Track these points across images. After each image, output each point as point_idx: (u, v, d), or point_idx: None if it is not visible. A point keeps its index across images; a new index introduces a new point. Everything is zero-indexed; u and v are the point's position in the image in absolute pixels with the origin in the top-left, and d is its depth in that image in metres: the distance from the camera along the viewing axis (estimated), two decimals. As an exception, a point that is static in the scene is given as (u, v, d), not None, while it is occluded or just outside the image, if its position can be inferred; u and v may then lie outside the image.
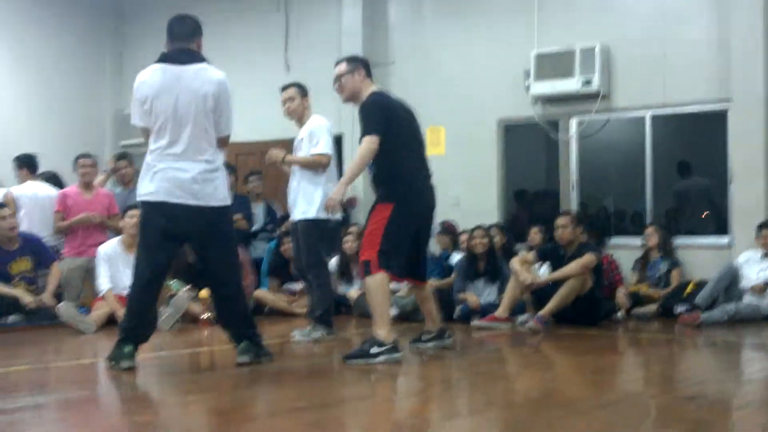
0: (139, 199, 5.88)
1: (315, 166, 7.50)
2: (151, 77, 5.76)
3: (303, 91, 7.77)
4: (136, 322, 5.82)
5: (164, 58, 5.81)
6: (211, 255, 5.89)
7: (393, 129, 6.31)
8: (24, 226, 9.31)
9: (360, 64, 6.62)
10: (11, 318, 8.59)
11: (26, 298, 8.63)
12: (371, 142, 6.25)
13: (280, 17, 12.98)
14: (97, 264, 8.75)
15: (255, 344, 5.97)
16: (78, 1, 14.06)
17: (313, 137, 7.53)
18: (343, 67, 6.60)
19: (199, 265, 6.13)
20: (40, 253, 9.01)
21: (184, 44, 5.86)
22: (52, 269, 8.98)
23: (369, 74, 6.64)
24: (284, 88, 7.81)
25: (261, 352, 5.99)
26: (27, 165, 9.86)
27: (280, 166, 7.75)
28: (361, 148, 6.31)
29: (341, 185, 6.51)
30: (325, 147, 7.50)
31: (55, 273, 8.96)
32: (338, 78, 6.60)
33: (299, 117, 7.71)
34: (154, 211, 5.77)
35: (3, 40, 13.23)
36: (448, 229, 10.16)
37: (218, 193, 5.82)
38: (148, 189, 5.77)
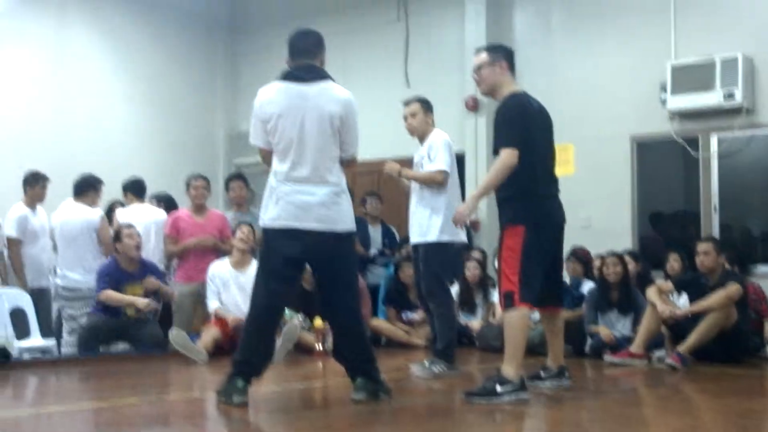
0: (262, 224, 5.67)
1: (430, 183, 7.20)
2: (276, 96, 5.56)
3: (427, 106, 7.45)
4: (250, 355, 5.60)
5: (288, 76, 5.61)
6: (332, 282, 5.66)
7: (529, 141, 5.89)
8: None
9: (502, 56, 6.18)
10: (120, 346, 8.49)
11: (139, 303, 8.46)
12: (511, 156, 5.82)
13: (400, 29, 12.75)
14: (207, 284, 8.71)
15: (373, 380, 5.68)
16: (191, 19, 14.20)
17: (431, 153, 7.23)
18: (483, 56, 6.18)
19: (318, 292, 5.86)
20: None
21: (306, 60, 5.66)
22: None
23: (512, 67, 6.21)
24: (407, 103, 7.52)
25: (379, 389, 5.69)
26: (132, 189, 9.72)
27: (398, 179, 7.50)
28: (499, 161, 5.90)
29: (473, 198, 6.14)
30: (442, 163, 7.17)
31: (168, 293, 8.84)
32: (478, 68, 6.18)
33: (421, 134, 7.41)
34: (278, 237, 5.55)
35: (116, 59, 13.40)
36: (581, 256, 9.59)
37: (344, 217, 5.61)
38: (272, 214, 5.56)
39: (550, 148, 6.20)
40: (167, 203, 10.00)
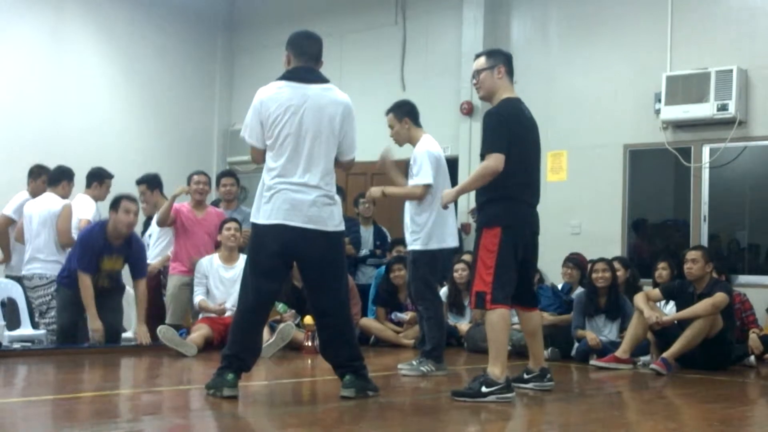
0: (253, 220, 5.68)
1: (412, 198, 7.22)
2: (277, 94, 5.60)
3: (399, 113, 7.40)
4: (239, 349, 5.64)
5: (289, 76, 5.66)
6: (321, 282, 5.69)
7: (516, 147, 5.94)
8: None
9: (501, 61, 6.19)
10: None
11: (95, 324, 8.15)
12: (496, 160, 5.88)
13: (397, 33, 12.82)
14: (194, 278, 8.77)
15: (361, 377, 5.72)
16: (188, 16, 14.23)
17: (414, 166, 7.23)
18: (482, 61, 6.21)
19: (306, 292, 5.88)
20: (136, 261, 8.48)
21: (310, 63, 5.71)
22: (138, 287, 8.45)
23: (510, 72, 6.23)
24: (386, 114, 7.52)
25: (367, 387, 5.74)
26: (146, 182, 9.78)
27: (385, 198, 7.51)
28: (484, 164, 5.96)
29: (455, 191, 6.27)
30: (423, 177, 7.15)
31: (142, 295, 8.45)
32: (476, 73, 6.22)
33: (406, 141, 7.43)
34: (268, 233, 5.57)
35: (113, 56, 13.42)
36: (579, 263, 9.59)
37: (335, 217, 5.66)
38: (264, 211, 5.58)
39: (536, 159, 6.24)
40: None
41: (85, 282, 8.11)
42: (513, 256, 5.94)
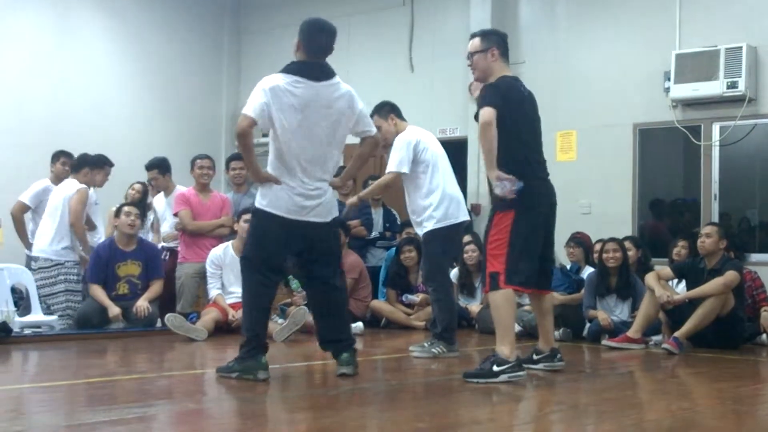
0: (262, 207, 5.77)
1: (384, 187, 7.47)
2: (294, 88, 5.64)
3: (382, 114, 7.41)
4: (258, 331, 5.79)
5: (303, 72, 5.70)
6: (328, 266, 5.89)
7: (513, 125, 5.91)
8: None
9: (494, 43, 6.13)
10: (114, 325, 8.55)
11: (112, 311, 8.49)
12: (488, 113, 5.80)
13: (405, 14, 12.75)
14: (207, 269, 8.73)
15: (354, 355, 5.93)
16: (196, 2, 14.11)
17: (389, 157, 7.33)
18: (476, 43, 6.17)
19: (313, 277, 5.98)
20: (152, 264, 8.86)
21: (321, 57, 5.78)
22: (154, 284, 8.83)
23: (505, 53, 6.17)
24: (370, 117, 7.54)
25: (357, 365, 5.96)
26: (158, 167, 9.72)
27: (368, 199, 7.62)
28: (479, 123, 5.91)
29: (490, 174, 5.98)
30: (390, 164, 7.21)
31: (156, 288, 8.81)
32: (470, 55, 6.20)
33: (395, 137, 7.36)
34: (274, 222, 5.71)
35: (121, 40, 13.41)
36: (582, 241, 9.61)
37: (334, 208, 5.92)
38: (274, 203, 5.71)
39: (537, 135, 6.21)
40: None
41: (94, 291, 8.59)
42: (529, 238, 5.91)
